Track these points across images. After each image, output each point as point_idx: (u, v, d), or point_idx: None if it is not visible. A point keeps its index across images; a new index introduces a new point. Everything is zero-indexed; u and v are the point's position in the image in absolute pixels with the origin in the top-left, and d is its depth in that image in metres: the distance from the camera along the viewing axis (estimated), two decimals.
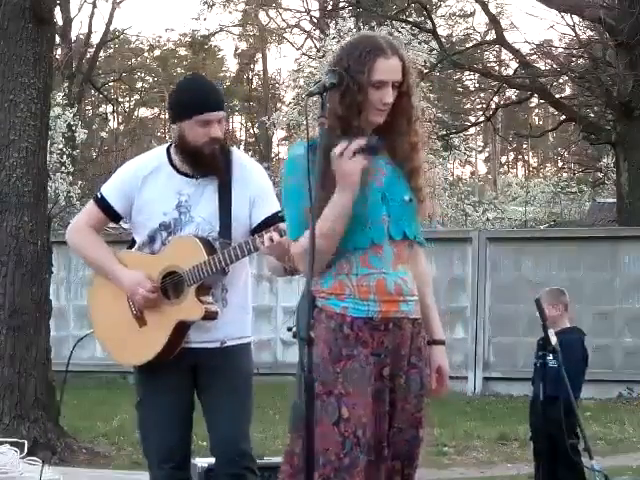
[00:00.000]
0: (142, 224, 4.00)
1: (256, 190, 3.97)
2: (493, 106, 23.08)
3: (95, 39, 31.00)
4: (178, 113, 3.93)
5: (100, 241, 4.06)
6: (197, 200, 3.93)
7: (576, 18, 19.79)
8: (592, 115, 20.63)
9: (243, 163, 4.01)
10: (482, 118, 24.74)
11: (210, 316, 3.86)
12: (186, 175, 3.95)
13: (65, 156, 17.96)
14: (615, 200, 19.11)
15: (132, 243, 4.12)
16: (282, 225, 3.61)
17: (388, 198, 3.18)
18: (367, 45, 3.14)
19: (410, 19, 21.70)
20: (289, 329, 3.10)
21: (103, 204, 4.02)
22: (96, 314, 4.14)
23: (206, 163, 3.90)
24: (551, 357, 5.67)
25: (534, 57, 22.97)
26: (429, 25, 20.53)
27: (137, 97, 41.43)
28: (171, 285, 3.90)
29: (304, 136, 3.22)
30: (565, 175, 28.86)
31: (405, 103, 3.20)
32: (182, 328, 3.88)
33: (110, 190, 4.03)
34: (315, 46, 29.44)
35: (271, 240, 3.65)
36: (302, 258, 3.11)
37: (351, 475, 3.06)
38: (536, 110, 40.19)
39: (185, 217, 3.94)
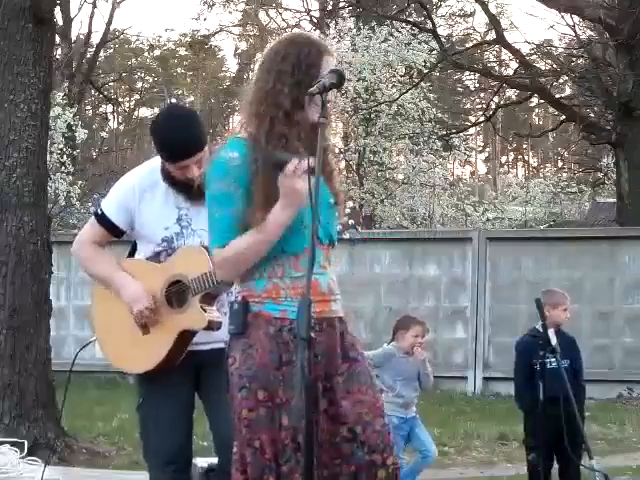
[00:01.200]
0: (145, 239, 4.01)
1: None
2: (493, 106, 23.08)
3: (95, 39, 31.01)
4: (158, 153, 3.94)
5: (103, 255, 4.05)
6: (197, 213, 3.92)
7: (576, 18, 19.81)
8: (592, 115, 20.63)
9: None
10: (482, 118, 24.74)
11: (213, 326, 3.85)
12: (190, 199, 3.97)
13: (65, 156, 17.95)
14: (615, 200, 19.11)
15: (132, 249, 4.13)
16: None
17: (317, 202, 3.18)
18: (314, 43, 3.20)
19: (410, 19, 21.75)
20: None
21: (104, 220, 4.02)
22: (98, 317, 4.13)
23: (191, 192, 3.89)
24: (551, 357, 5.66)
25: (534, 57, 23.00)
26: (429, 25, 20.53)
27: (137, 97, 41.45)
28: (175, 294, 3.89)
29: (234, 135, 3.22)
30: (565, 175, 28.88)
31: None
32: (185, 337, 3.88)
33: (110, 206, 4.02)
34: None
35: None
36: (230, 265, 3.13)
37: None
38: (536, 110, 40.26)
39: (187, 230, 3.95)
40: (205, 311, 3.84)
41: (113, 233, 4.03)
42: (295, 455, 3.04)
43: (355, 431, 3.12)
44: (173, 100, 37.03)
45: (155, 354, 3.89)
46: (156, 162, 4.02)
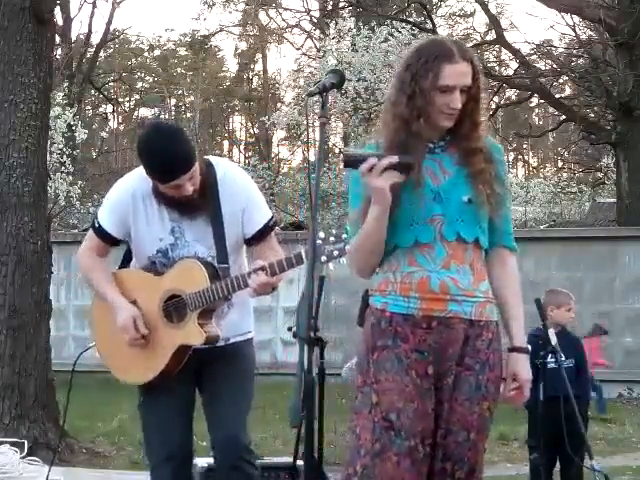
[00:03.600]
0: (140, 249, 4.01)
1: (245, 202, 3.96)
2: (493, 106, 23.07)
3: (95, 39, 30.99)
4: (148, 173, 3.85)
5: (101, 269, 4.05)
6: (189, 224, 3.93)
7: (576, 18, 19.82)
8: (592, 115, 20.64)
9: (228, 177, 3.96)
10: None
11: (211, 341, 3.90)
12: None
13: (65, 156, 17.94)
14: (615, 200, 19.11)
15: (126, 254, 4.14)
16: (269, 262, 3.72)
17: (443, 198, 3.17)
18: (434, 51, 3.16)
19: (410, 19, 21.71)
20: (289, 329, 3.12)
21: (101, 232, 4.02)
22: (98, 329, 4.15)
23: (185, 209, 3.88)
24: (551, 357, 5.66)
25: (534, 57, 22.99)
26: (429, 25, 20.54)
27: (137, 97, 41.44)
28: (173, 308, 3.91)
29: (370, 139, 3.28)
30: (565, 175, 28.84)
31: (471, 108, 3.21)
32: (182, 352, 3.90)
33: (105, 217, 4.02)
34: (315, 46, 29.46)
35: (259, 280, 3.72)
36: (352, 258, 3.23)
37: (382, 460, 3.08)
38: (536, 110, 40.21)
39: (181, 241, 3.95)
40: (203, 326, 3.86)
41: (111, 243, 4.04)
42: (388, 433, 3.08)
43: (440, 435, 3.16)
44: (173, 100, 37.01)
45: (153, 367, 3.93)
46: (145, 173, 3.98)
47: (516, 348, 3.26)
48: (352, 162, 3.08)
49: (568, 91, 28.07)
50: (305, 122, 21.27)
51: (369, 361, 3.15)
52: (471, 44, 25.44)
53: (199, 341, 3.86)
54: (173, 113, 40.64)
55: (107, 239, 4.02)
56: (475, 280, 3.18)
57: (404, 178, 3.07)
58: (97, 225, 4.03)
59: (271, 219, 4.01)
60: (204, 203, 3.89)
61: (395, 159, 3.03)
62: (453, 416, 3.15)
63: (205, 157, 4.02)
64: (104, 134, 26.72)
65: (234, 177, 4.00)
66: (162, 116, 38.38)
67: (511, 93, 25.71)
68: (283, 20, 35.94)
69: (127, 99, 42.62)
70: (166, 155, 3.74)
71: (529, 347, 3.27)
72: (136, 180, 4.00)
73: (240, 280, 3.79)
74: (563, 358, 5.78)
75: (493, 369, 3.19)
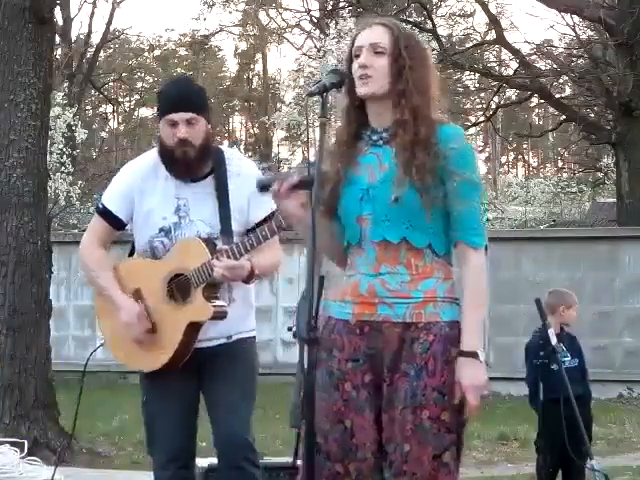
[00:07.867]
0: (142, 229, 4.00)
1: (252, 189, 3.97)
2: (493, 106, 23.09)
3: (95, 39, 31.01)
4: (157, 112, 4.03)
5: (103, 263, 4.03)
6: (195, 203, 3.93)
7: (576, 18, 19.84)
8: (592, 115, 20.65)
9: (236, 162, 4.02)
10: (482, 118, 24.74)
11: (219, 316, 3.87)
12: (181, 179, 3.97)
13: (65, 156, 17.94)
14: (615, 200, 19.12)
15: (133, 249, 4.13)
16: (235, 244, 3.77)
17: (371, 196, 3.04)
18: (358, 28, 3.18)
19: (410, 19, 21.72)
20: (289, 329, 3.09)
21: (105, 213, 4.01)
22: (104, 319, 4.13)
23: (179, 166, 3.90)
24: (552, 358, 5.66)
25: (534, 57, 23.00)
26: (429, 25, 20.55)
27: (137, 97, 41.45)
28: (178, 288, 3.89)
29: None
30: (565, 175, 28.88)
31: (402, 87, 3.06)
32: (193, 329, 3.89)
33: (110, 197, 4.02)
34: (315, 46, 29.40)
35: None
36: None
37: None
38: (536, 110, 40.23)
39: (185, 221, 3.94)
40: (209, 302, 3.85)
41: (115, 226, 4.02)
42: (317, 456, 2.95)
43: (386, 446, 2.99)
44: None
45: (166, 350, 3.91)
46: (152, 153, 4.04)
47: (460, 352, 2.99)
48: (264, 186, 3.08)
49: (568, 91, 28.04)
50: (305, 122, 21.27)
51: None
52: (471, 44, 25.47)
53: (207, 315, 3.84)
54: None
55: (111, 220, 4.00)
56: (413, 280, 3.00)
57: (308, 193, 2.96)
58: (101, 206, 4.02)
59: (276, 210, 4.00)
60: (192, 169, 3.91)
61: (295, 179, 2.98)
62: (394, 427, 2.97)
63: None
64: (104, 134, 26.71)
65: (241, 164, 4.04)
66: None
67: (511, 93, 25.68)
68: (283, 20, 35.97)
69: (127, 99, 42.63)
70: (181, 88, 4.00)
71: (480, 352, 2.99)
72: (143, 162, 4.05)
73: (241, 247, 3.76)
74: (569, 357, 5.80)
75: (434, 374, 2.97)
